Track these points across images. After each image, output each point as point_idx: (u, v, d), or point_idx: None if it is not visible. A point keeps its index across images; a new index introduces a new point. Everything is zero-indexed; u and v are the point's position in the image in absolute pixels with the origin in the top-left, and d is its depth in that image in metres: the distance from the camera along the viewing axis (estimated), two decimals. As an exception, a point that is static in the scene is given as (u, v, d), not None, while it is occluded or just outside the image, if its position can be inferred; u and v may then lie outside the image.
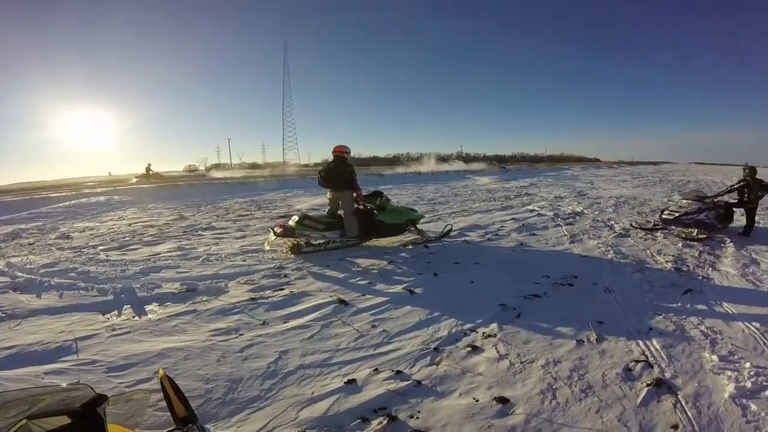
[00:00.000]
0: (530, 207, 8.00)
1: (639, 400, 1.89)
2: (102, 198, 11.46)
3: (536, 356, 2.23)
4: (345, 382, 1.99)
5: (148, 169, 19.59)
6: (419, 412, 1.78)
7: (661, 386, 1.98)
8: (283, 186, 15.00)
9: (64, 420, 0.85)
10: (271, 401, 1.84)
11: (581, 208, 7.75)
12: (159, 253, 4.82)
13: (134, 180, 19.19)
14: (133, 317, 2.83)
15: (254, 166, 44.72)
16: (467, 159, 40.26)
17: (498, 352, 2.29)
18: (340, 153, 4.76)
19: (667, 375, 2.09)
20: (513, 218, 6.55)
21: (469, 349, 2.32)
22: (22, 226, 7.33)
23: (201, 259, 4.34)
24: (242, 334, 2.51)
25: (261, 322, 2.71)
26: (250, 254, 4.55)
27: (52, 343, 2.40)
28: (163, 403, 1.35)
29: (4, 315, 2.84)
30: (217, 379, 1.98)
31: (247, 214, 8.04)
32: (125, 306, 3.03)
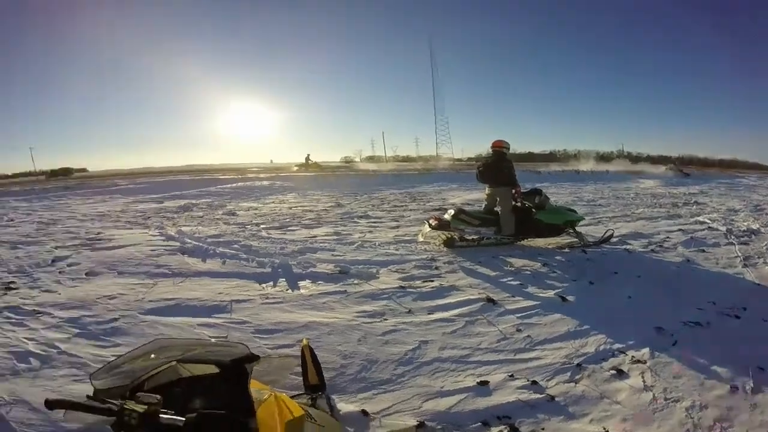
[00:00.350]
0: (700, 218, 10.22)
1: None
2: (265, 182, 18.38)
3: (683, 395, 2.93)
4: (477, 383, 2.97)
5: (307, 158, 30.63)
6: (543, 429, 2.54)
7: None
8: (436, 179, 22.06)
9: (212, 369, 1.42)
10: (400, 387, 2.94)
11: (758, 226, 9.51)
12: (316, 236, 7.53)
13: (294, 168, 30.06)
14: (287, 290, 4.84)
15: (407, 159, 65.85)
16: (632, 158, 53.52)
17: (644, 381, 3.06)
18: (500, 148, 6.94)
19: None
20: (680, 229, 8.53)
21: (614, 372, 3.17)
22: (194, 201, 12.85)
23: (355, 245, 6.68)
24: (386, 319, 3.97)
25: (407, 311, 4.19)
26: (403, 244, 6.90)
27: (209, 301, 4.51)
28: (300, 369, 2.54)
29: (170, 272, 5.51)
30: (354, 357, 3.27)
31: (402, 206, 12.34)
32: (280, 279, 5.17)
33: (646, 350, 3.46)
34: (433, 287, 4.78)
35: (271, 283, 4.97)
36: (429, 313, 4.11)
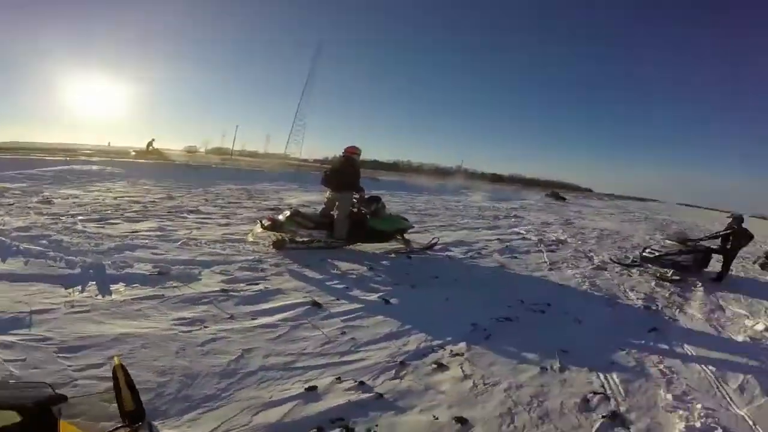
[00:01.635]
0: (516, 229, 11.60)
1: (593, 431, 2.88)
2: (95, 167, 15.81)
3: (499, 379, 3.31)
4: (306, 389, 2.89)
5: (149, 144, 27.03)
6: (377, 426, 2.60)
7: (616, 419, 3.03)
8: (277, 178, 21.72)
9: (15, 417, 1.26)
10: (226, 402, 2.67)
11: (565, 237, 11.37)
12: (138, 231, 6.70)
13: (132, 153, 26.14)
14: (96, 295, 4.15)
15: (254, 154, 64.05)
16: (468, 174, 59.55)
17: (463, 371, 3.37)
18: (351, 154, 6.96)
19: (623, 409, 3.19)
20: (498, 239, 9.57)
21: (435, 366, 3.41)
22: (8, 185, 10.46)
23: (180, 243, 6.14)
24: (207, 327, 3.62)
25: (228, 316, 3.92)
26: (230, 243, 6.49)
27: (5, 313, 3.47)
28: (112, 393, 2.11)
29: None
30: (172, 373, 2.86)
31: (237, 202, 11.63)
32: (90, 282, 4.44)
33: (462, 344, 3.83)
34: (257, 290, 4.59)
35: (80, 287, 4.25)
36: (252, 319, 3.92)
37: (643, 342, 4.56)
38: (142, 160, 20.76)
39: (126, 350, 3.11)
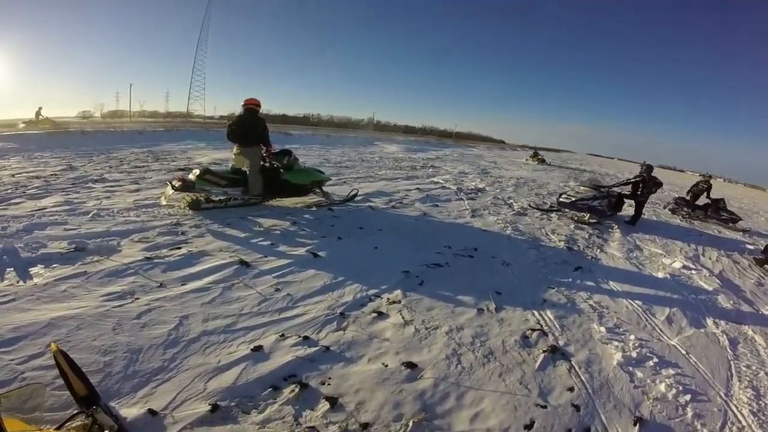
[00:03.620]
0: (435, 179, 11.47)
1: (537, 365, 3.01)
2: None
3: (440, 323, 3.35)
4: (251, 349, 2.82)
5: (38, 113, 24.07)
6: (330, 378, 2.61)
7: (556, 353, 3.16)
8: (184, 137, 20.02)
9: None
10: (176, 372, 2.56)
11: (483, 185, 11.43)
12: (44, 208, 5.99)
13: (22, 125, 22.98)
14: (18, 282, 3.73)
15: (155, 114, 57.70)
16: (380, 127, 60.72)
17: (403, 318, 3.39)
18: (253, 105, 6.49)
19: (561, 343, 3.32)
20: (417, 188, 9.45)
21: (375, 314, 3.42)
22: None
23: (91, 215, 5.58)
24: (138, 299, 3.39)
25: (158, 285, 3.68)
26: (144, 209, 6.02)
27: None
28: (61, 381, 1.95)
29: None
30: (115, 351, 2.70)
31: (144, 166, 10.66)
32: (8, 269, 3.99)
33: (398, 292, 3.87)
34: (181, 255, 4.35)
35: None
36: (182, 284, 3.72)
37: (570, 280, 4.71)
38: (35, 131, 18.05)
39: (62, 334, 2.88)
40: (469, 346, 3.10)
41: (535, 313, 3.76)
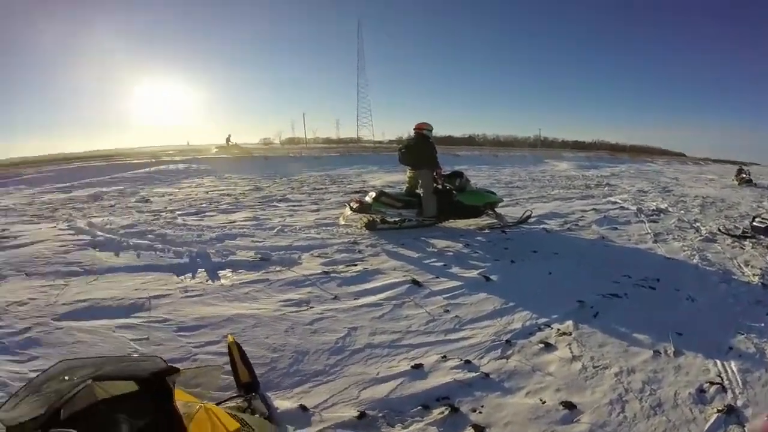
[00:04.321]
0: (612, 199, 11.12)
1: (707, 427, 2.67)
2: (181, 166, 17.50)
3: (610, 362, 3.18)
4: (411, 366, 2.96)
5: (228, 140, 29.46)
6: (482, 406, 2.62)
7: (731, 415, 2.79)
8: (357, 162, 22.41)
9: (132, 387, 1.44)
10: (335, 377, 2.85)
11: (665, 205, 10.79)
12: (234, 221, 7.21)
13: (214, 150, 28.97)
14: (207, 281, 4.56)
15: (327, 141, 66.66)
16: (547, 144, 61.39)
17: (571, 352, 3.28)
18: (422, 130, 6.92)
19: (739, 403, 2.93)
20: (594, 209, 9.16)
21: (542, 345, 3.36)
22: (104, 189, 11.92)
23: (275, 230, 6.45)
24: (312, 307, 3.83)
25: (332, 297, 4.09)
26: (324, 228, 6.79)
27: (126, 299, 4.17)
28: (229, 367, 2.40)
29: (82, 270, 5.04)
30: (283, 350, 3.12)
31: (322, 188, 12.25)
32: (199, 270, 4.86)
33: (570, 323, 3.68)
34: (357, 271, 4.72)
35: (190, 274, 4.66)
36: (355, 299, 4.04)
37: (762, 325, 4.13)
38: (225, 156, 22.80)
39: (239, 329, 3.38)
40: (637, 393, 2.86)
41: (718, 362, 3.36)
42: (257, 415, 2.01)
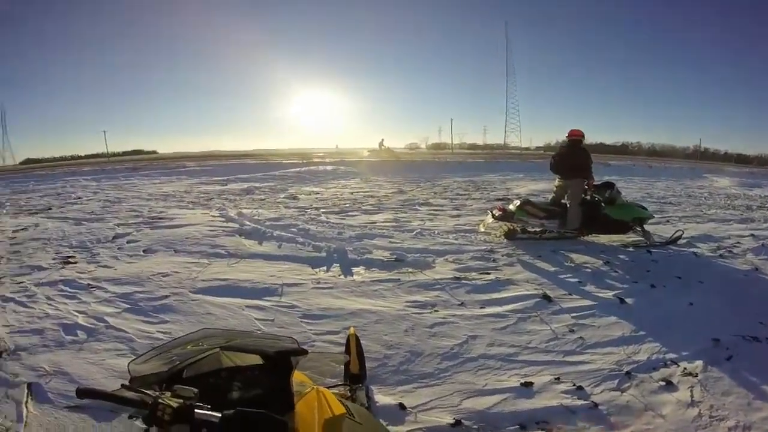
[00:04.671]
0: None
1: None
2: (329, 167, 19.15)
3: (728, 414, 2.91)
4: (521, 384, 2.95)
5: (381, 144, 31.84)
6: None
7: None
8: (502, 168, 22.61)
9: (256, 360, 1.54)
10: (442, 382, 2.94)
11: None
12: (375, 222, 7.68)
13: (366, 153, 31.65)
14: (339, 275, 4.93)
15: (473, 147, 68.55)
16: (708, 155, 56.73)
17: (692, 396, 3.05)
18: (577, 137, 6.83)
19: None
20: (752, 234, 8.22)
21: (663, 383, 3.14)
22: (257, 185, 13.63)
23: (414, 233, 6.73)
24: (437, 311, 3.98)
25: (459, 303, 4.17)
26: (462, 234, 6.96)
27: (261, 283, 4.67)
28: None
29: (225, 253, 5.74)
30: (399, 348, 3.30)
31: (465, 194, 12.51)
32: (334, 264, 5.27)
33: (699, 363, 3.38)
34: (488, 280, 4.75)
35: (325, 267, 5.08)
36: (481, 307, 4.07)
37: None
38: (372, 159, 24.52)
39: (361, 324, 3.63)
40: (745, 453, 2.60)
41: None
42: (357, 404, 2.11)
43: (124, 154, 48.35)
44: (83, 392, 1.16)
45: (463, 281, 4.64)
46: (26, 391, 3.01)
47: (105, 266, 5.17)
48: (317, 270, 4.99)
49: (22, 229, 7.38)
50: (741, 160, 57.01)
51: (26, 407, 2.90)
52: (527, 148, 64.10)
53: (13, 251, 6.03)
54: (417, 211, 8.96)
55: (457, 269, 5.03)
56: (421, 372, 3.02)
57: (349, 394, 2.15)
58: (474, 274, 4.91)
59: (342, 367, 2.38)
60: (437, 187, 13.70)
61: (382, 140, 31.75)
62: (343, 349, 2.64)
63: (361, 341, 2.61)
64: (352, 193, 11.68)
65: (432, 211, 8.92)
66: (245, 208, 8.95)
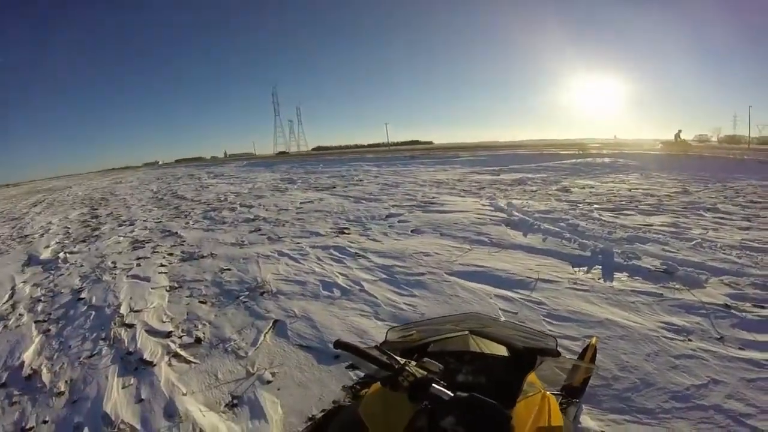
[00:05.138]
0: None
1: None
2: (606, 159, 18.10)
3: None
4: None
5: (677, 135, 28.06)
6: None
7: None
8: None
9: (502, 351, 1.50)
10: (657, 423, 2.61)
11: None
12: (651, 225, 7.13)
13: (659, 146, 28.22)
14: (599, 279, 4.80)
15: None
16: None
17: None
18: None
19: None
20: None
21: None
22: (529, 176, 13.60)
23: (693, 243, 6.07)
24: (690, 341, 3.50)
25: (718, 337, 3.61)
26: (748, 252, 5.77)
27: (516, 275, 4.77)
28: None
29: (488, 241, 5.92)
30: (632, 372, 3.03)
31: (762, 202, 9.88)
32: (596, 266, 5.14)
33: None
34: (764, 316, 3.89)
35: (585, 268, 5.05)
36: (740, 348, 3.40)
37: None
38: (653, 152, 21.84)
39: (604, 335, 3.52)
40: None
41: None
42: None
43: (403, 144, 52.61)
44: (341, 345, 1.31)
45: (734, 311, 3.97)
46: (270, 324, 3.93)
47: (374, 240, 6.00)
48: (577, 269, 5.00)
49: (309, 202, 9.08)
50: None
51: (264, 337, 3.79)
52: None
53: (298, 218, 7.53)
54: (701, 216, 7.88)
55: (730, 294, 4.32)
56: (641, 406, 2.75)
57: (563, 405, 1.99)
58: (749, 305, 4.09)
59: (565, 375, 2.27)
60: (728, 190, 11.19)
61: (679, 131, 27.70)
62: (575, 356, 2.60)
63: (599, 354, 2.57)
64: (629, 190, 10.85)
65: (718, 219, 7.70)
66: (515, 198, 9.27)
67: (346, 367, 3.04)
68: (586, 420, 2.61)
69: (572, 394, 2.11)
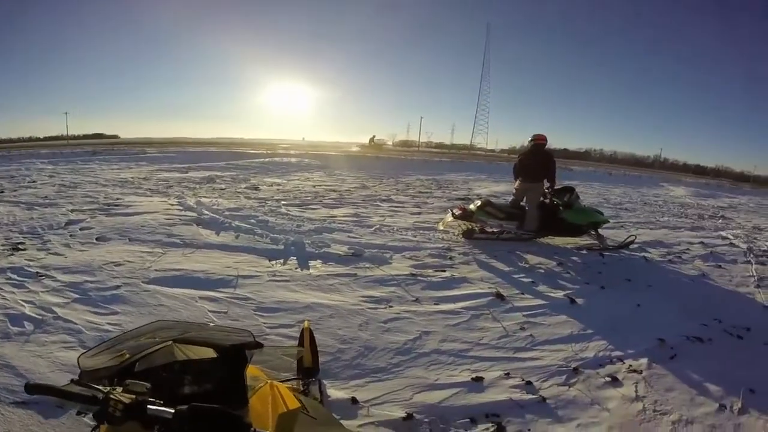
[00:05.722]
0: (723, 233, 10.39)
1: None
2: (293, 159, 19.21)
3: (672, 409, 3.04)
4: (472, 378, 3.01)
5: (371, 139, 33.33)
6: (529, 430, 2.61)
7: None
8: (466, 169, 23.34)
9: (210, 353, 1.51)
10: (394, 376, 2.97)
11: None
12: (335, 216, 7.67)
13: (355, 148, 33.19)
14: (296, 269, 4.89)
15: (440, 146, 71.52)
16: (667, 165, 61.25)
17: (636, 391, 3.16)
18: (541, 142, 6.97)
19: None
20: (702, 242, 8.70)
21: (609, 379, 3.26)
22: (219, 174, 13.51)
23: (373, 228, 6.77)
24: (391, 306, 4.01)
25: (414, 299, 4.20)
26: (421, 231, 7.04)
27: (216, 274, 4.61)
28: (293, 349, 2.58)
29: (181, 243, 5.64)
30: (352, 342, 3.31)
31: (427, 192, 12.73)
32: (291, 257, 5.23)
33: (644, 360, 3.51)
34: (444, 277, 4.81)
35: (282, 260, 5.05)
36: (435, 304, 4.12)
37: None
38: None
39: (315, 317, 3.63)
40: (687, 445, 2.75)
41: (783, 428, 3.11)
42: (310, 398, 2.10)
43: (85, 137, 46.76)
44: (33, 387, 1.13)
45: (419, 278, 4.69)
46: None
47: (55, 254, 4.99)
48: (274, 262, 4.96)
49: (-31, 214, 7.06)
50: (699, 171, 60.67)
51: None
52: (492, 150, 66.61)
53: (-42, 236, 5.74)
54: (378, 206, 9.04)
55: (413, 266, 5.08)
56: (374, 366, 3.05)
57: (302, 388, 2.16)
58: (430, 271, 4.96)
59: (295, 361, 2.34)
60: (400, 184, 13.90)
61: (374, 136, 32.45)
62: (296, 342, 2.64)
63: (315, 335, 2.60)
64: (314, 186, 11.68)
65: (393, 208, 9.01)
66: (205, 197, 8.81)
67: (77, 414, 2.50)
68: (333, 393, 2.72)
69: (308, 374, 2.26)
